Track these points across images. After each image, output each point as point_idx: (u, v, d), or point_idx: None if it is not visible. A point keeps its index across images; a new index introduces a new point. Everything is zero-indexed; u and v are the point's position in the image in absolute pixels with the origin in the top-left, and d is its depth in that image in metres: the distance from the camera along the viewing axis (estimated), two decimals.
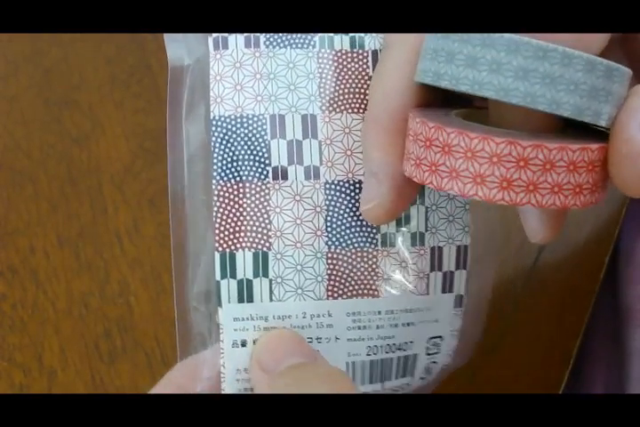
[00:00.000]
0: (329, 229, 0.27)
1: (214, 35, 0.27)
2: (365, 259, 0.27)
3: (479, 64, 0.21)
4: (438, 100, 0.25)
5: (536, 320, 0.38)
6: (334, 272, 0.27)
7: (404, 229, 0.27)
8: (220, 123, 0.27)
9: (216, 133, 0.27)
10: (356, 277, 0.27)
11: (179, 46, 0.28)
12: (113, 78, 0.38)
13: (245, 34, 0.27)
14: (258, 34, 0.27)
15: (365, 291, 0.27)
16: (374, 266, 0.27)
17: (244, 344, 0.27)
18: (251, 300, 0.26)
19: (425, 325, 0.28)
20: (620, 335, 0.38)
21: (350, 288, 0.27)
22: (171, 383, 0.27)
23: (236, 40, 0.27)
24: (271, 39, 0.27)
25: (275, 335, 0.27)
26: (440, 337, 0.29)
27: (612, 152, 0.21)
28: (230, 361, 0.27)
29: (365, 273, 0.27)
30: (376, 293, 0.27)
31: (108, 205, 0.37)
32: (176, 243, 0.28)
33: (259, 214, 0.26)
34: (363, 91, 0.27)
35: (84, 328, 0.36)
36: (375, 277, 0.27)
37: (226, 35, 0.27)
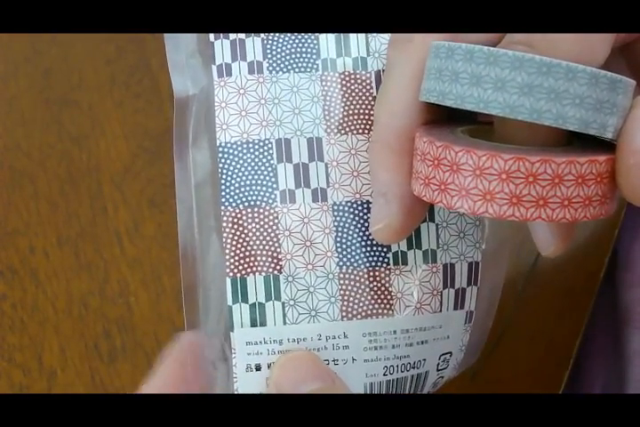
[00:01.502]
0: (339, 249, 0.27)
1: (218, 62, 0.27)
2: (378, 278, 0.27)
3: (484, 82, 0.21)
4: (443, 117, 0.25)
5: (536, 320, 0.38)
6: (347, 293, 0.27)
7: (415, 246, 0.27)
8: (226, 149, 0.27)
9: (223, 160, 0.27)
10: (369, 297, 0.27)
11: (183, 77, 0.28)
12: (113, 78, 0.38)
13: (249, 60, 0.27)
14: (261, 60, 0.27)
15: (380, 310, 0.27)
16: (387, 285, 0.27)
17: (258, 368, 0.26)
18: (264, 323, 0.26)
19: (437, 342, 0.28)
20: (618, 337, 0.38)
21: (364, 308, 0.27)
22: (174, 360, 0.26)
23: (240, 67, 0.27)
24: (274, 64, 0.27)
25: (291, 358, 0.26)
26: (450, 353, 0.29)
27: (620, 163, 0.21)
28: (244, 385, 0.27)
29: (379, 292, 0.27)
30: (390, 312, 0.27)
31: (107, 204, 0.37)
32: (186, 269, 0.27)
33: (268, 238, 0.26)
34: (367, 112, 0.27)
35: (84, 328, 0.36)
36: (389, 297, 0.27)
37: (229, 62, 0.27)
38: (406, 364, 0.27)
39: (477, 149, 0.21)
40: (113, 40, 0.38)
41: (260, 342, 0.26)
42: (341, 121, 0.27)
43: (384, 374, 0.27)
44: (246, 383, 0.27)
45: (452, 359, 0.29)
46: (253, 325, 0.26)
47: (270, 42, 0.27)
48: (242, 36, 0.27)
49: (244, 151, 0.27)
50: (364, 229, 0.27)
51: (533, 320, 0.38)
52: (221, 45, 0.27)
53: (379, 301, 0.27)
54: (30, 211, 0.37)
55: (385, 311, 0.27)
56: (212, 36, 0.28)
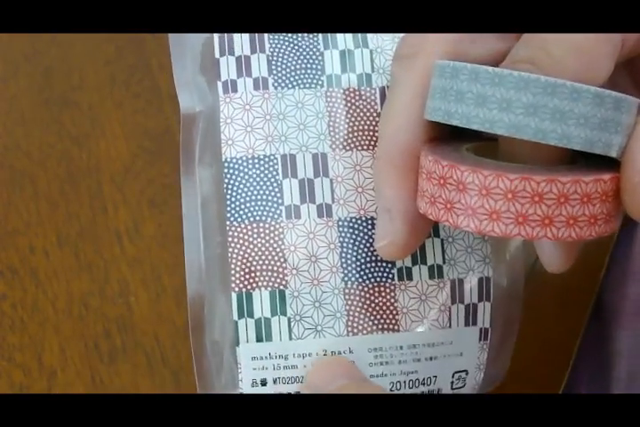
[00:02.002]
0: (344, 265, 0.27)
1: (223, 78, 0.27)
2: (383, 293, 0.27)
3: (489, 102, 0.21)
4: (447, 134, 0.25)
5: (536, 320, 0.38)
6: (353, 308, 0.27)
7: (420, 262, 0.27)
8: (232, 164, 0.27)
9: (229, 175, 0.27)
10: (375, 312, 0.27)
11: (190, 94, 0.28)
12: (113, 78, 0.38)
13: (254, 76, 0.27)
14: (266, 76, 0.27)
15: (385, 325, 0.27)
16: (392, 300, 0.27)
17: (263, 383, 0.27)
18: (269, 339, 0.26)
19: (449, 359, 0.28)
20: (604, 337, 0.38)
21: (370, 323, 0.27)
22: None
23: (245, 83, 0.27)
24: (279, 80, 0.27)
25: (326, 360, 0.26)
26: (465, 371, 0.28)
27: (625, 182, 0.22)
28: None
29: (384, 308, 0.27)
30: (396, 327, 0.27)
31: (107, 204, 0.37)
32: (192, 283, 0.27)
33: (274, 253, 0.26)
34: (372, 128, 0.27)
35: (84, 328, 0.36)
36: (395, 312, 0.27)
37: (235, 78, 0.27)
38: (414, 380, 0.27)
39: (483, 168, 0.21)
40: (113, 40, 0.38)
41: (266, 358, 0.26)
42: (346, 137, 0.27)
43: (391, 390, 0.27)
44: None
45: (469, 378, 0.29)
46: (259, 340, 0.26)
47: (275, 58, 0.27)
48: (247, 52, 0.28)
49: (250, 167, 0.27)
50: (368, 244, 0.27)
51: (533, 320, 0.38)
52: (227, 62, 0.28)
53: (384, 316, 0.27)
54: (30, 211, 0.37)
55: (390, 327, 0.27)
56: (217, 52, 0.28)
